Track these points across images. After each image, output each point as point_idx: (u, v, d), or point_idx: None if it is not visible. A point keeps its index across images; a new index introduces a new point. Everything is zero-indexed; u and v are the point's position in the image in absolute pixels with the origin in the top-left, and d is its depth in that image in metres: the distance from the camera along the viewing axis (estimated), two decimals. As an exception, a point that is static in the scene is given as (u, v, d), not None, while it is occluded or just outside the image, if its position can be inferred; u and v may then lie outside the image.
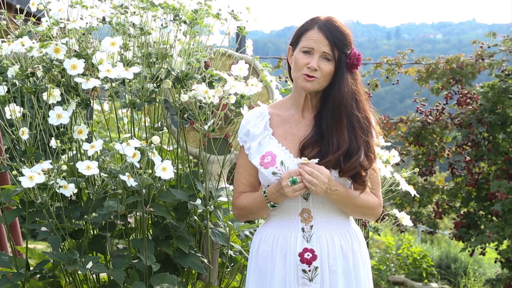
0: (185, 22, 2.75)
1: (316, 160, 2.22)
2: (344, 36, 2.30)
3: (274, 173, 2.28)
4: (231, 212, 3.03)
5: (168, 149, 3.17)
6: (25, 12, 2.99)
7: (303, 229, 2.32)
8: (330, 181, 2.22)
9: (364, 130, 2.31)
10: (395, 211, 2.80)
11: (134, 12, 2.76)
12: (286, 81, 3.28)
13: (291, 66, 2.38)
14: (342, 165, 2.26)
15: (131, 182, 2.45)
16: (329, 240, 2.31)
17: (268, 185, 2.32)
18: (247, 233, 2.92)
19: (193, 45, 2.80)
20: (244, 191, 2.40)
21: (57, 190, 2.52)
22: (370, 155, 2.31)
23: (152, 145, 2.46)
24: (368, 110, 2.36)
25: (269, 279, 2.33)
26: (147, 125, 3.02)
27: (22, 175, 2.45)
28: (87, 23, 2.71)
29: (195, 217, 2.91)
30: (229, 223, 2.88)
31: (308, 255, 2.29)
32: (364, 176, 2.29)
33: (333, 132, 2.28)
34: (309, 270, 2.29)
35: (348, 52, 2.30)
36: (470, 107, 5.61)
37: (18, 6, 2.95)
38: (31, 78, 2.70)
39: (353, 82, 2.33)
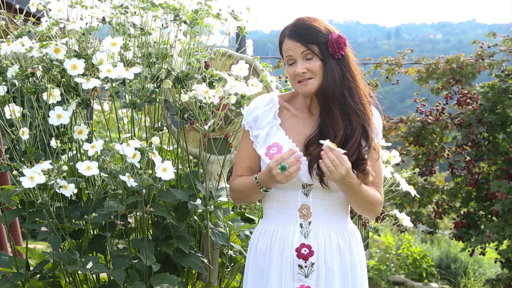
0: (185, 22, 2.74)
1: (343, 151, 2.18)
2: (312, 29, 2.29)
3: None
4: (231, 212, 3.03)
5: (168, 149, 3.17)
6: (24, 12, 2.99)
7: (301, 225, 2.32)
8: (347, 174, 2.18)
9: (359, 114, 2.28)
10: (395, 212, 2.80)
11: (135, 12, 2.76)
12: (286, 81, 3.28)
13: None
14: None
15: (131, 182, 2.45)
16: (326, 237, 2.32)
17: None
18: (247, 233, 2.92)
19: (193, 45, 2.80)
20: (242, 175, 2.39)
21: (57, 190, 2.52)
22: (367, 138, 2.30)
23: (152, 145, 2.46)
24: (364, 93, 2.33)
25: (266, 275, 2.33)
26: (147, 125, 3.02)
27: (22, 175, 2.45)
28: (87, 23, 2.71)
29: (195, 217, 2.91)
30: (229, 223, 2.88)
31: (305, 250, 2.29)
32: (365, 162, 2.28)
33: (327, 122, 2.27)
34: (305, 266, 2.29)
35: (326, 40, 2.29)
36: (470, 107, 5.62)
37: (18, 6, 2.95)
38: (31, 78, 2.69)
39: (342, 69, 2.29)
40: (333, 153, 2.16)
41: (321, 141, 2.20)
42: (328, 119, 2.27)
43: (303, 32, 2.28)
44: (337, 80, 2.28)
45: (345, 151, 2.19)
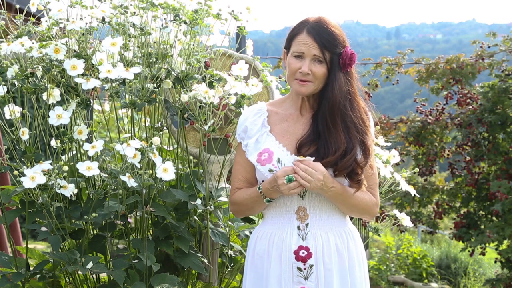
0: (185, 22, 2.74)
1: (312, 158, 2.21)
2: (333, 37, 2.29)
3: (270, 170, 2.28)
4: (231, 212, 3.03)
5: (168, 149, 3.17)
6: (25, 12, 2.99)
7: (298, 227, 2.32)
8: (325, 178, 2.22)
9: (358, 129, 2.31)
10: (395, 212, 2.80)
11: (134, 12, 2.76)
12: (286, 81, 3.28)
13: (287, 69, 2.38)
14: (337, 164, 2.26)
15: (131, 182, 2.45)
16: (324, 238, 2.31)
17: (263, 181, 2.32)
18: (247, 233, 2.92)
19: (193, 45, 2.79)
20: (241, 187, 2.41)
21: (57, 191, 2.52)
22: (365, 154, 2.31)
23: (152, 146, 2.45)
24: (363, 109, 2.35)
25: (265, 278, 2.34)
26: (147, 125, 3.02)
27: (23, 175, 2.45)
28: (86, 24, 2.71)
29: (195, 217, 2.91)
30: (229, 223, 2.88)
31: (303, 252, 2.29)
32: (359, 174, 2.29)
33: (329, 133, 2.28)
34: (304, 268, 2.29)
35: (340, 52, 2.29)
36: (470, 107, 5.62)
37: (18, 6, 2.95)
38: (30, 78, 2.69)
39: (347, 82, 2.31)
40: (303, 163, 2.20)
41: (290, 157, 2.27)
42: (331, 131, 2.28)
43: (325, 37, 2.27)
44: (344, 92, 2.29)
45: (313, 158, 2.22)
